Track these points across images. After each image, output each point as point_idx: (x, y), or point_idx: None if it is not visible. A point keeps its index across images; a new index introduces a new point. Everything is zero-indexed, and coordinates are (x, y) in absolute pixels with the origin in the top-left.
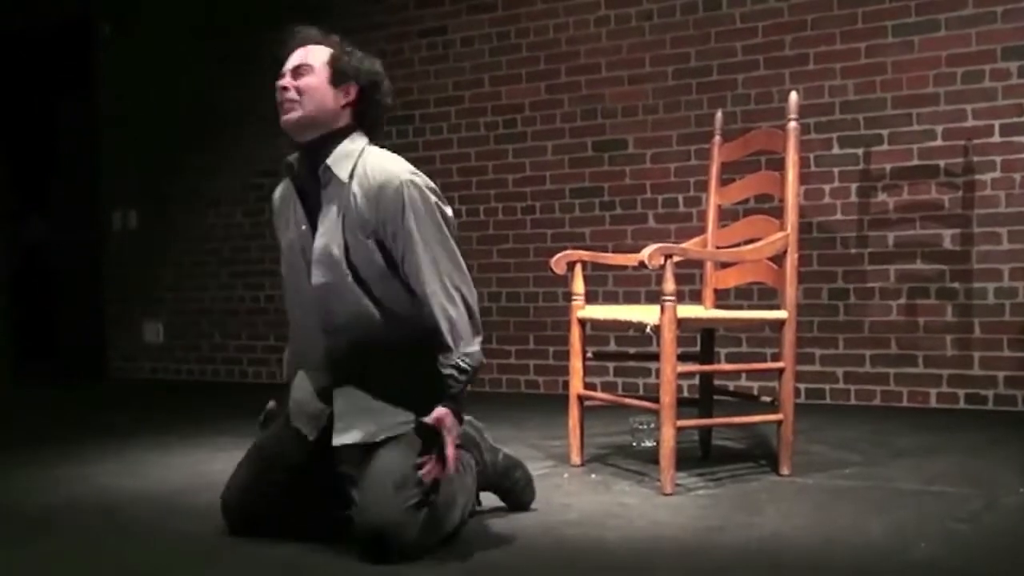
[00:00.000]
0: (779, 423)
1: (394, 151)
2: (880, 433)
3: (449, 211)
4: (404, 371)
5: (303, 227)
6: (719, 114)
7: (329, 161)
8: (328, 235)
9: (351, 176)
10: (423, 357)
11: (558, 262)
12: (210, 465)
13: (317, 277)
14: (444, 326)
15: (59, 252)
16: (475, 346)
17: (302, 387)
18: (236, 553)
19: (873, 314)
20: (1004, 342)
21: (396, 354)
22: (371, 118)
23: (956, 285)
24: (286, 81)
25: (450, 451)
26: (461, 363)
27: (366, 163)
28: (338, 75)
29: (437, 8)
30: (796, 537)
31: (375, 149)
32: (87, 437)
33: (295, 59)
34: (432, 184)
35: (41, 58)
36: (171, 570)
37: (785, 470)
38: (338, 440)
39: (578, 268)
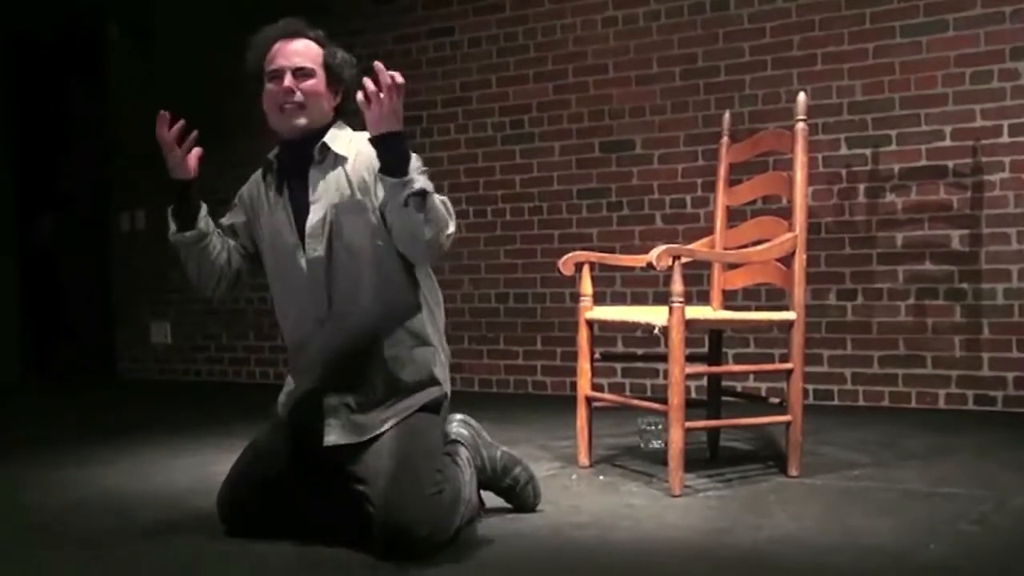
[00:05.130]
0: (787, 424)
1: None
2: (889, 434)
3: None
4: (396, 363)
5: (290, 208)
6: (727, 115)
7: (326, 139)
8: (322, 206)
9: (346, 150)
10: (416, 346)
11: (566, 263)
12: (217, 466)
13: (312, 251)
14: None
15: (68, 252)
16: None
17: (292, 390)
18: (242, 553)
19: (881, 315)
20: (1013, 343)
21: (388, 345)
22: (343, 108)
23: (965, 286)
24: (291, 83)
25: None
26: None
27: (360, 139)
28: (333, 78)
29: (445, 9)
30: (805, 538)
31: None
32: (94, 438)
33: (295, 58)
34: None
35: (51, 59)
36: (178, 571)
37: (794, 471)
38: (328, 441)
39: (586, 269)
